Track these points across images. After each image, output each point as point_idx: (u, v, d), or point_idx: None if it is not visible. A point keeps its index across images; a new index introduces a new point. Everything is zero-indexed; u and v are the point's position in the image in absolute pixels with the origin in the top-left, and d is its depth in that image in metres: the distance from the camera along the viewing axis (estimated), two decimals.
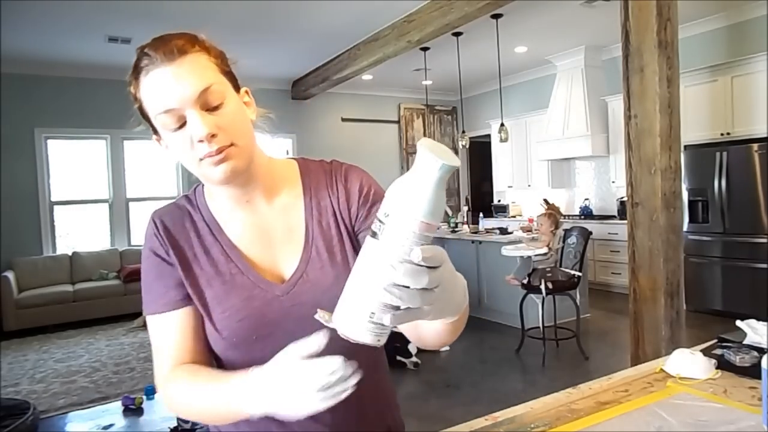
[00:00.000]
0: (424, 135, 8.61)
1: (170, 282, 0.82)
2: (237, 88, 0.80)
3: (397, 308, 0.52)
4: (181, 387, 0.77)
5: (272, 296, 0.81)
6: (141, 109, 0.76)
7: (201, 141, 0.72)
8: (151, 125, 0.77)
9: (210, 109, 0.73)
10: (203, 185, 0.88)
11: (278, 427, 0.80)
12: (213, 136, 0.72)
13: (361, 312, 0.53)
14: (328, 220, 0.85)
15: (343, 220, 0.86)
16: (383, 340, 0.56)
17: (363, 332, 0.54)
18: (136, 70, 0.73)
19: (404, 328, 0.73)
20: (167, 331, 0.82)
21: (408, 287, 0.50)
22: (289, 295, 0.81)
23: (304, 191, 0.87)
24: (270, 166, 0.86)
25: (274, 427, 0.80)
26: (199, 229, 0.85)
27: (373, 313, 0.52)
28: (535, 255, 4.27)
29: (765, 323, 1.19)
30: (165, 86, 0.72)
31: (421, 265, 0.50)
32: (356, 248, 0.85)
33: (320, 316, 0.59)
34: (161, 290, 0.82)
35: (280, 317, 0.80)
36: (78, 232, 6.43)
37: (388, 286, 0.50)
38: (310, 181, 0.88)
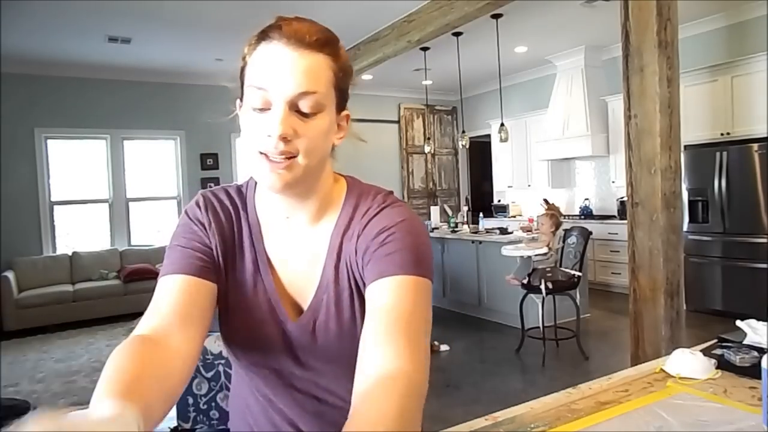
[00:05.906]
0: (425, 135, 8.61)
1: (199, 249, 0.77)
2: (341, 108, 0.77)
3: None
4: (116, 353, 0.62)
5: (282, 329, 0.80)
6: (242, 70, 0.74)
7: (270, 136, 0.69)
8: (242, 88, 0.75)
9: (300, 113, 0.70)
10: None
11: None
12: (285, 139, 0.69)
13: None
14: (344, 266, 0.79)
15: (352, 272, 0.78)
16: None
17: None
18: (262, 35, 0.71)
19: None
20: (172, 289, 0.73)
21: None
22: (296, 336, 0.80)
23: (334, 228, 0.81)
24: (329, 194, 0.82)
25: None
26: (241, 228, 0.82)
27: None
28: (535, 255, 4.26)
29: (765, 323, 1.19)
30: (274, 65, 0.69)
31: None
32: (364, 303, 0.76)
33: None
34: (187, 254, 0.76)
35: (281, 352, 0.80)
36: (78, 232, 6.42)
37: None
38: (344, 217, 0.81)
